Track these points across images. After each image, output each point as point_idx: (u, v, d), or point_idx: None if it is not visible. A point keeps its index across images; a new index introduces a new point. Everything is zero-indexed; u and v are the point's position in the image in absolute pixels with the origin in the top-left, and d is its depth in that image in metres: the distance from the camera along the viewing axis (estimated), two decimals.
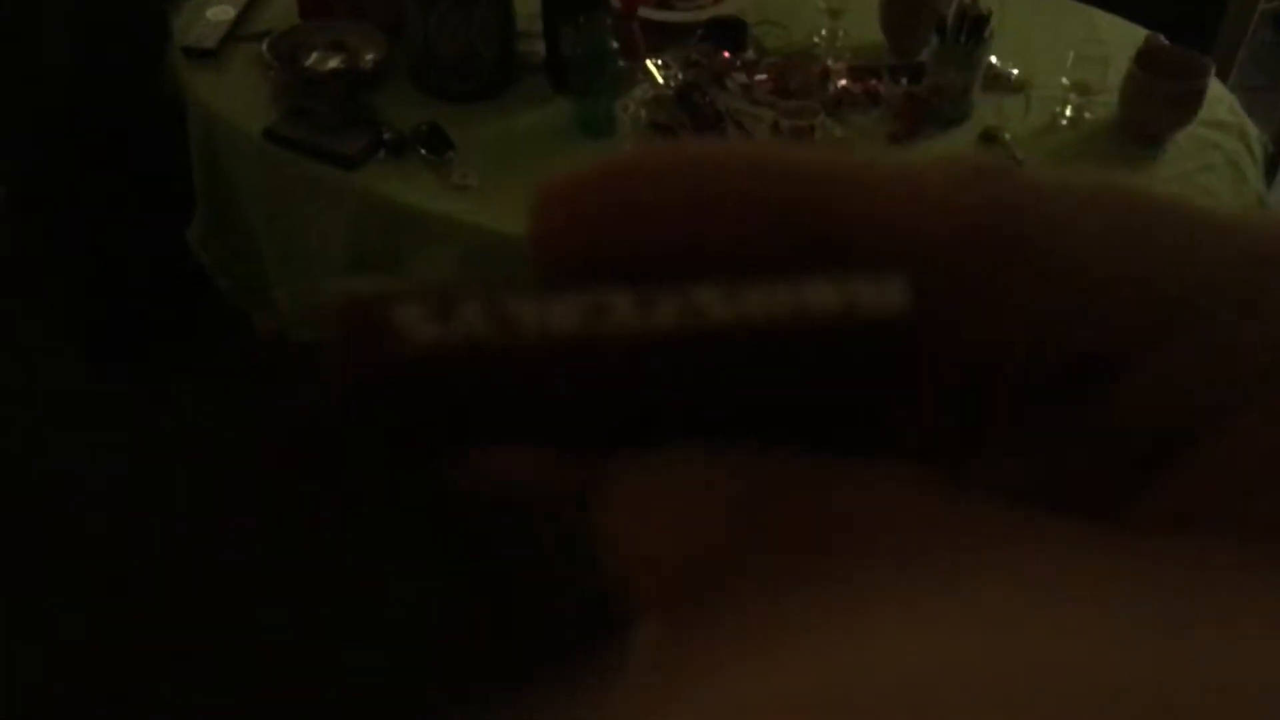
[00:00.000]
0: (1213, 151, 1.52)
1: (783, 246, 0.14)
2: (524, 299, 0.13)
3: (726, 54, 1.59)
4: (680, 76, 1.56)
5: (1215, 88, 1.55)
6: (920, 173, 0.14)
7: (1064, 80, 1.56)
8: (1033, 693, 0.08)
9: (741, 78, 1.58)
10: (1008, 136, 1.53)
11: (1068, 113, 1.56)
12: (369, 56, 1.56)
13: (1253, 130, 1.58)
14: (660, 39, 1.60)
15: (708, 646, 0.10)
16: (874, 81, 1.57)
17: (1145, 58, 1.49)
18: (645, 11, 1.59)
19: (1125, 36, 1.62)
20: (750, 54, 1.62)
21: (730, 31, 1.62)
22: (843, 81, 1.57)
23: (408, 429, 0.14)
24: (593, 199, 0.14)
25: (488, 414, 0.14)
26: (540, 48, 1.56)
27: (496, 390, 0.13)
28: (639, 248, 0.14)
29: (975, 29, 1.50)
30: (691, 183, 0.14)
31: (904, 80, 1.56)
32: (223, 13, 1.63)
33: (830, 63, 1.59)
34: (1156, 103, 1.49)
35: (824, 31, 1.67)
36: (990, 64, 1.58)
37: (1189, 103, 1.49)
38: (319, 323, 0.13)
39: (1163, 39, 1.53)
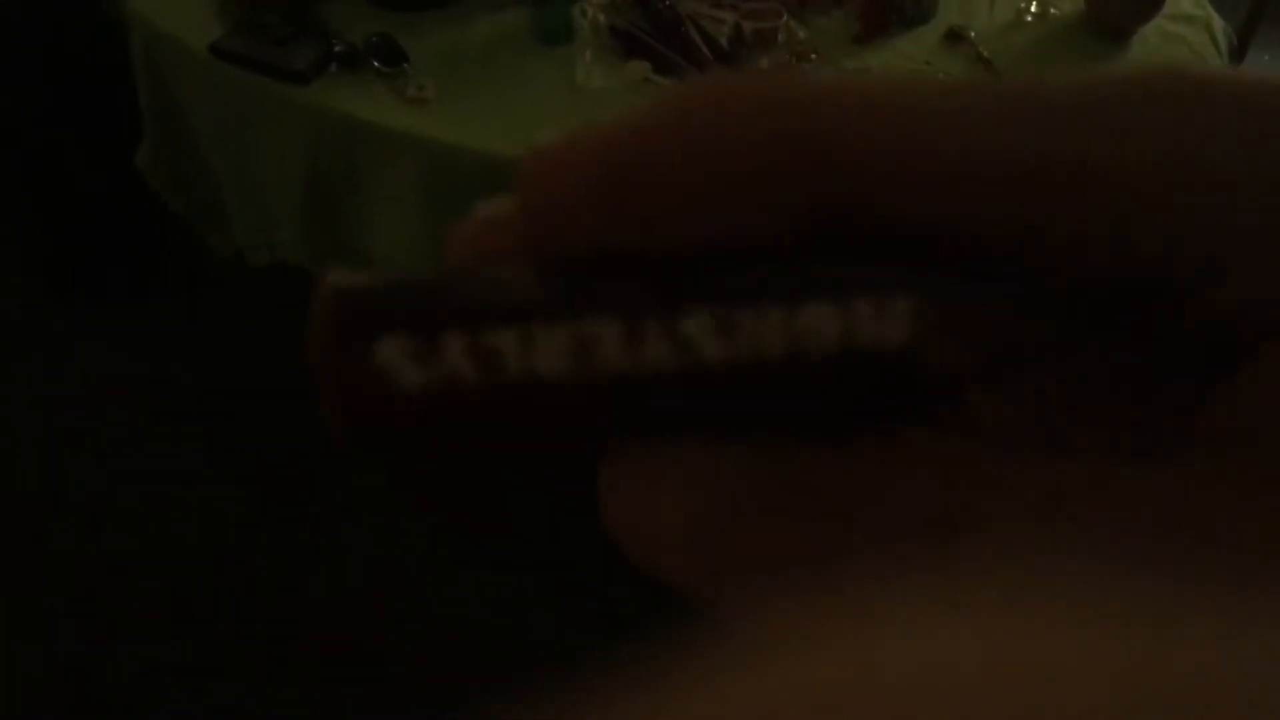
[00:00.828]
0: (1178, 45, 1.51)
1: (804, 222, 0.13)
2: (506, 329, 0.13)
3: None
4: None
5: None
6: (947, 112, 0.12)
7: None
8: (1050, 695, 0.07)
9: None
10: (972, 34, 1.50)
11: (1033, 9, 1.54)
12: None
13: (1218, 23, 1.56)
14: None
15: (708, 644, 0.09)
16: None
17: None
18: None
19: None
20: None
21: None
22: None
23: (411, 449, 0.14)
24: (591, 170, 0.13)
25: (485, 439, 0.14)
26: None
27: (490, 422, 0.14)
28: (642, 227, 0.13)
29: None
30: (702, 151, 0.13)
31: None
32: None
33: None
34: None
35: None
36: None
37: None
38: (310, 333, 0.13)
39: None
